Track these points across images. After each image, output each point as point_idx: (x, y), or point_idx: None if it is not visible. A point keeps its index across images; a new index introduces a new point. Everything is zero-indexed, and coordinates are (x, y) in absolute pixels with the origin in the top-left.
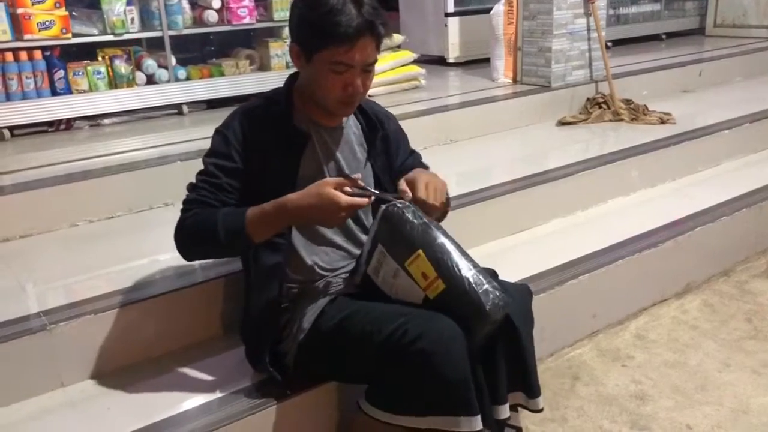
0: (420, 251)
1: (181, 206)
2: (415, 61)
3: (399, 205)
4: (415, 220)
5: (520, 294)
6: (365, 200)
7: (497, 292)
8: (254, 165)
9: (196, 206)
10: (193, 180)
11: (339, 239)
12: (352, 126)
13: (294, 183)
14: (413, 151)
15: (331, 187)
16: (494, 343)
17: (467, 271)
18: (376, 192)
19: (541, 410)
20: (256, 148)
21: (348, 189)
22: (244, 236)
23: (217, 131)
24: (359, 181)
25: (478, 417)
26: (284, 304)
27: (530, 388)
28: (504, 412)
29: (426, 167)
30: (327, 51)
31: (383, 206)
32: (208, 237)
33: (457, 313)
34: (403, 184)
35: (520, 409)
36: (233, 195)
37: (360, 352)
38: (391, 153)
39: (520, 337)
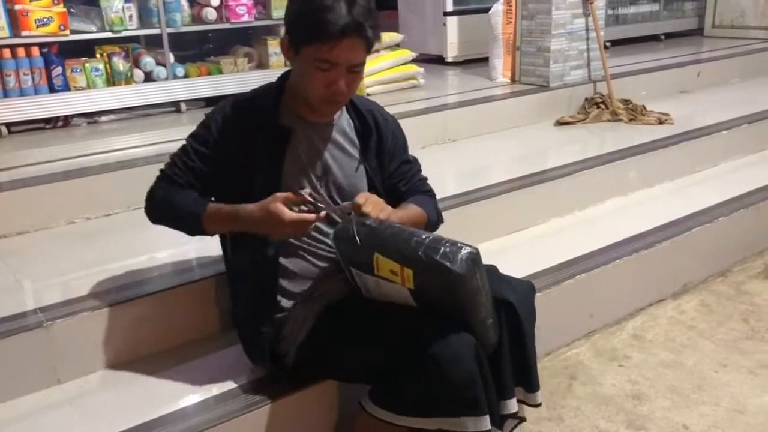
0: (376, 254)
1: (157, 173)
2: (414, 60)
3: (342, 221)
4: (360, 228)
5: (524, 290)
6: (312, 216)
7: (462, 252)
8: (233, 156)
9: (166, 182)
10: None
11: (317, 259)
12: (344, 124)
13: (279, 179)
14: (410, 159)
15: (280, 202)
16: (500, 338)
17: (420, 246)
18: (323, 207)
19: (539, 405)
20: (237, 140)
21: (302, 206)
22: (200, 224)
23: (207, 116)
24: (308, 196)
25: (486, 417)
26: (278, 299)
27: (530, 382)
28: (512, 406)
29: (424, 180)
30: (312, 47)
31: (332, 232)
32: (172, 214)
33: (444, 291)
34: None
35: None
36: (201, 179)
37: (364, 354)
38: (384, 156)
39: (523, 332)
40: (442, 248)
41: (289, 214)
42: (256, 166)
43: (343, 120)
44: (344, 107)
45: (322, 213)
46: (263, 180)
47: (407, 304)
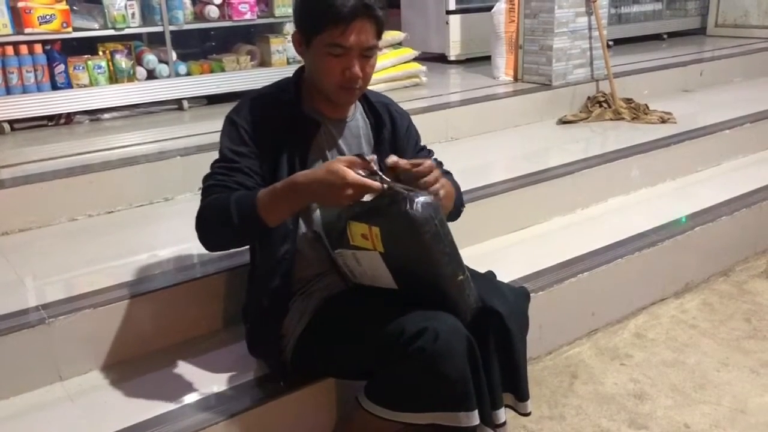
0: (348, 221)
1: (199, 194)
2: (416, 59)
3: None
4: (334, 211)
5: (516, 296)
6: (376, 184)
7: (419, 197)
8: (264, 150)
9: (213, 192)
10: (207, 170)
11: (320, 262)
12: (359, 120)
13: (303, 169)
14: (424, 148)
15: (343, 163)
16: (488, 347)
17: (380, 200)
18: (388, 180)
19: (528, 414)
20: (265, 134)
21: (360, 171)
22: (256, 217)
23: (228, 117)
24: (372, 164)
25: (476, 412)
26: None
27: (519, 390)
28: (501, 416)
29: (440, 164)
30: (323, 34)
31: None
32: (222, 220)
33: (409, 245)
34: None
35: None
36: (252, 177)
37: (358, 348)
38: (399, 148)
39: (511, 339)
40: (401, 197)
41: (352, 174)
42: (282, 159)
43: (358, 115)
44: (359, 103)
45: (385, 186)
46: (288, 172)
47: (388, 284)
